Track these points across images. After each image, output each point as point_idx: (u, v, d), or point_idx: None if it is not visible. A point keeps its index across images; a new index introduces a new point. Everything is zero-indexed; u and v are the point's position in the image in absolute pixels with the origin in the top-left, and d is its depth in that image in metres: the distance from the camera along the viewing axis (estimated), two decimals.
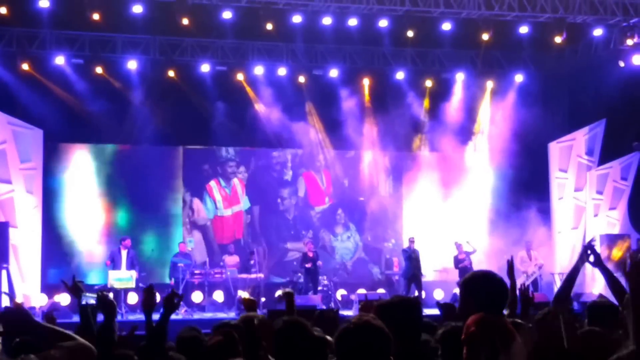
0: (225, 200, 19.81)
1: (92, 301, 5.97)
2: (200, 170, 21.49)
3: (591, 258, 6.02)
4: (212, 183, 19.67)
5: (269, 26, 18.69)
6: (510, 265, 6.57)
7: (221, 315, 19.21)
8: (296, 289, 19.83)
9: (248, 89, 22.58)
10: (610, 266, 6.22)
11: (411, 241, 21.07)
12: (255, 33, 20.18)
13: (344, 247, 21.65)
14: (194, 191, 21.07)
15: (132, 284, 19.41)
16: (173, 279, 20.26)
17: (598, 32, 20.55)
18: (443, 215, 23.43)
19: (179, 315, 19.14)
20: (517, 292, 6.51)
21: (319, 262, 20.64)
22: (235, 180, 19.72)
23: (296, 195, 20.40)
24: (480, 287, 4.49)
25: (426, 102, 23.67)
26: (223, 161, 20.28)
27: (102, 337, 5.56)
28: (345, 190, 22.23)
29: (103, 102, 21.10)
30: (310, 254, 20.54)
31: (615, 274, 6.12)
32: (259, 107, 22.77)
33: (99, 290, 6.00)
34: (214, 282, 20.75)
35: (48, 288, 19.82)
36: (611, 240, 20.74)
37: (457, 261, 21.45)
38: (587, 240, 6.83)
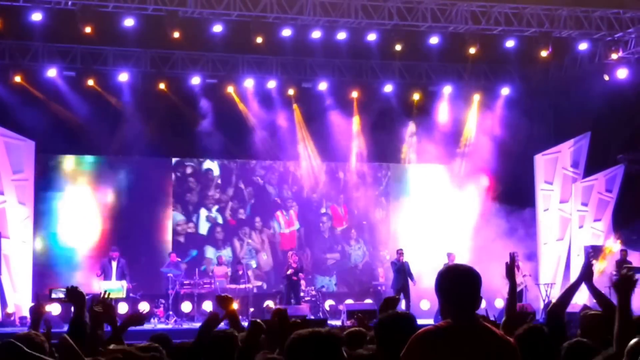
0: (286, 223, 24.45)
1: (61, 295, 6.06)
2: (269, 204, 24.54)
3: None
4: (278, 212, 24.26)
5: (259, 39, 18.85)
6: (511, 265, 6.29)
7: None
8: (278, 297, 21.70)
9: (238, 101, 22.79)
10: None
11: (399, 253, 21.27)
12: (245, 46, 20.36)
13: (356, 254, 24.98)
14: (265, 220, 24.41)
15: (123, 294, 19.60)
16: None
17: (583, 46, 20.83)
18: (429, 226, 23.53)
19: (168, 325, 19.38)
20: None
21: (301, 274, 21.31)
22: (292, 211, 24.42)
23: (330, 220, 24.98)
24: (447, 282, 4.23)
25: (414, 115, 23.90)
26: (284, 199, 24.38)
27: (75, 326, 5.76)
28: (355, 216, 24.90)
29: (94, 114, 21.24)
30: (294, 265, 21.03)
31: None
32: (248, 120, 23.00)
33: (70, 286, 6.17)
34: (203, 293, 20.96)
35: (39, 298, 19.84)
36: (596, 251, 20.98)
37: None
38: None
